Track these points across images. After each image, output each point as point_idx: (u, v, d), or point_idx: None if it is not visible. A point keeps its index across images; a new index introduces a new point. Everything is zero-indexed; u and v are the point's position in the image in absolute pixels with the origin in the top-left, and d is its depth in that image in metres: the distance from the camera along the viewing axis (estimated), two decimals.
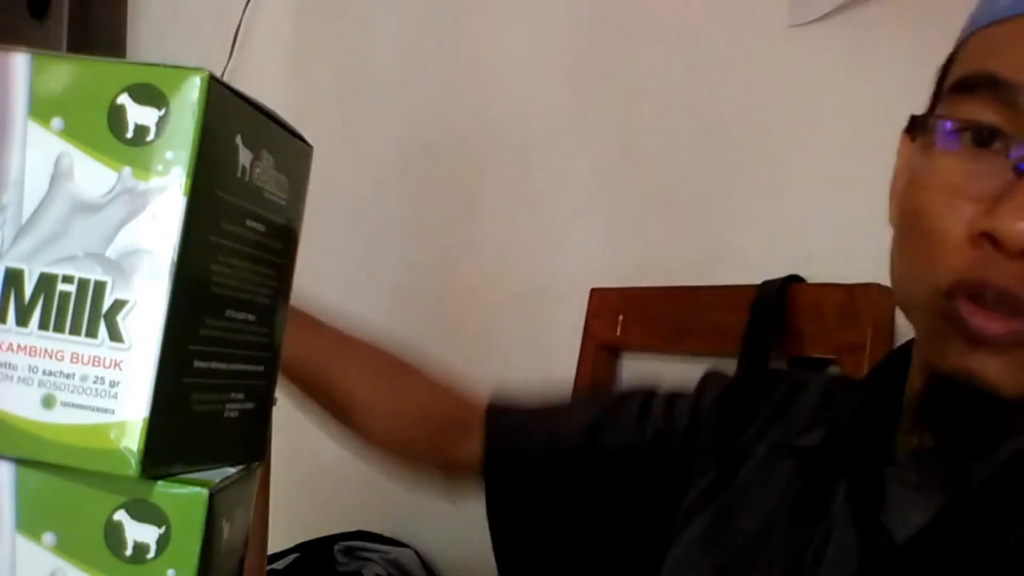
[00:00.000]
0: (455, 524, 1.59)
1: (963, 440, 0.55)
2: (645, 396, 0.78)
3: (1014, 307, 0.50)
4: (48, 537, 0.33)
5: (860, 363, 1.00)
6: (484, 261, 1.56)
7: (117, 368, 0.32)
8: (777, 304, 1.09)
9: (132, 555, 0.33)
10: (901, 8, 1.06)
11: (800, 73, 1.17)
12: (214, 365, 0.35)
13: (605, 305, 1.33)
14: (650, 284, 1.29)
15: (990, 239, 0.50)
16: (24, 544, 0.33)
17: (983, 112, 0.52)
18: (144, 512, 0.33)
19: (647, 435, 0.75)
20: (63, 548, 0.33)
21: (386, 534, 1.61)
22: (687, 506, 0.71)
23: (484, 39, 1.57)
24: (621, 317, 1.31)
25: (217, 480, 0.34)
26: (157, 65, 0.33)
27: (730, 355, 1.13)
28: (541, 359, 1.46)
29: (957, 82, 0.55)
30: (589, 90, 1.42)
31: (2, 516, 0.33)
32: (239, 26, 1.82)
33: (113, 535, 0.33)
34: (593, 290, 1.35)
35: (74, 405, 0.33)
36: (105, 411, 0.32)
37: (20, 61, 0.33)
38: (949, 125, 0.53)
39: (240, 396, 0.37)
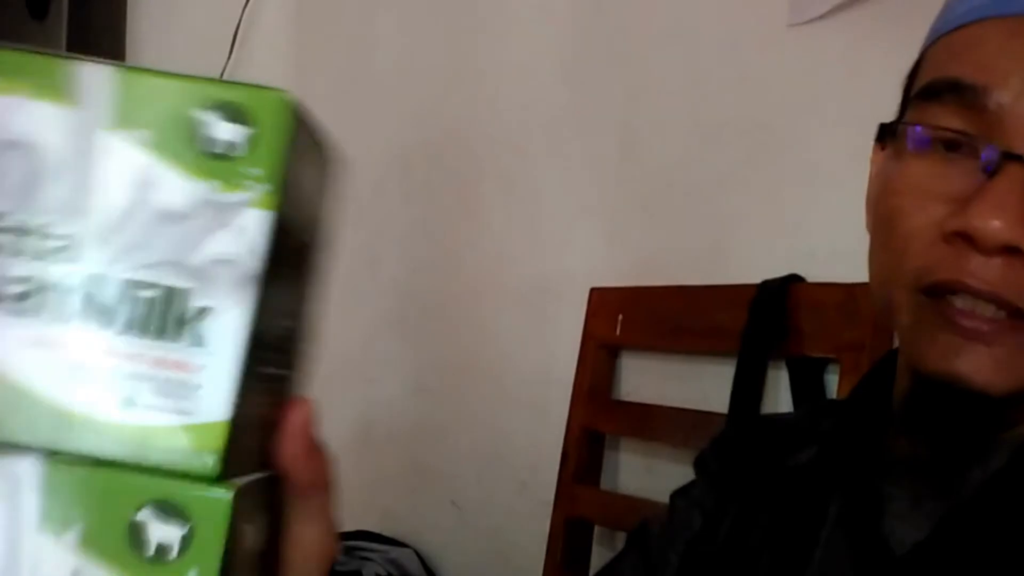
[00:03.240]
0: (455, 524, 1.59)
1: (954, 444, 0.55)
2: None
3: (996, 304, 0.51)
4: (71, 535, 0.33)
5: (860, 363, 1.00)
6: (484, 261, 1.56)
7: (199, 372, 0.33)
8: (777, 304, 1.10)
9: (155, 555, 0.33)
10: (901, 8, 1.06)
11: (800, 73, 1.17)
12: (263, 370, 0.36)
13: (605, 305, 1.33)
14: (650, 284, 1.29)
15: (965, 238, 0.50)
16: (47, 542, 0.33)
17: (949, 117, 0.53)
18: (168, 512, 0.33)
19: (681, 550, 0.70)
20: (86, 546, 0.33)
21: (386, 534, 1.61)
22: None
23: (484, 39, 1.57)
24: (621, 317, 1.31)
25: (242, 482, 0.34)
26: (238, 84, 0.34)
27: (730, 355, 1.14)
28: (541, 359, 1.46)
29: (922, 89, 0.55)
30: (589, 90, 1.42)
31: (26, 513, 0.33)
32: (239, 26, 1.82)
33: (136, 534, 0.33)
34: (593, 290, 1.35)
35: (155, 407, 0.33)
36: (187, 413, 0.33)
37: (100, 72, 0.34)
38: (917, 131, 0.54)
39: (277, 399, 0.38)
